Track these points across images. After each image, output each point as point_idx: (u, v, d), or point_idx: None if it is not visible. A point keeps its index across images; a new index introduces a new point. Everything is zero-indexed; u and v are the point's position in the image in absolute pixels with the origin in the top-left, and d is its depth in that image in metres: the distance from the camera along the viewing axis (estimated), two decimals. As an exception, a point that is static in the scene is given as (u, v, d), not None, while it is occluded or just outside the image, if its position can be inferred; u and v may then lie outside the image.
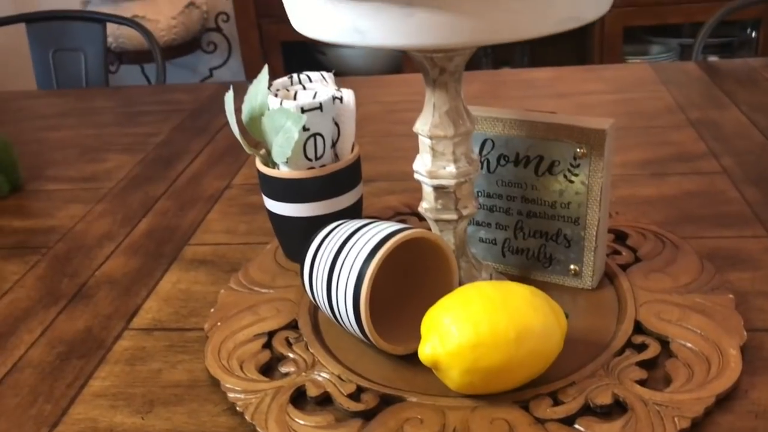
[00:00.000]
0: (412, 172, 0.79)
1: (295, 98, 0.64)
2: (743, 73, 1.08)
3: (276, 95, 0.64)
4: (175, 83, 1.93)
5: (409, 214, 0.75)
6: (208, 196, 0.85)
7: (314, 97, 0.63)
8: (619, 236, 0.67)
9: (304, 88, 0.66)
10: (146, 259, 0.73)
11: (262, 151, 0.66)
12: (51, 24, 1.53)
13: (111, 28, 2.30)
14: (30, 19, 1.54)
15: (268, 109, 0.62)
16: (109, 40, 2.33)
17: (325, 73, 0.68)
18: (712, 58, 2.08)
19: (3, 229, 0.81)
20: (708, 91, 1.02)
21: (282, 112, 0.60)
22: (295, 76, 0.67)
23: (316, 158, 0.63)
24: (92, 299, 0.66)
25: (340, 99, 0.65)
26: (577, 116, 0.58)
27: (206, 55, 2.55)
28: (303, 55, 2.31)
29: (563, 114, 0.59)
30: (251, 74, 2.16)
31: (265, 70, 0.65)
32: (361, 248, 0.52)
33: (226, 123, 1.06)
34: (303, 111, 0.61)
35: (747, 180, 0.77)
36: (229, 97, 0.64)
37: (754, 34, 1.99)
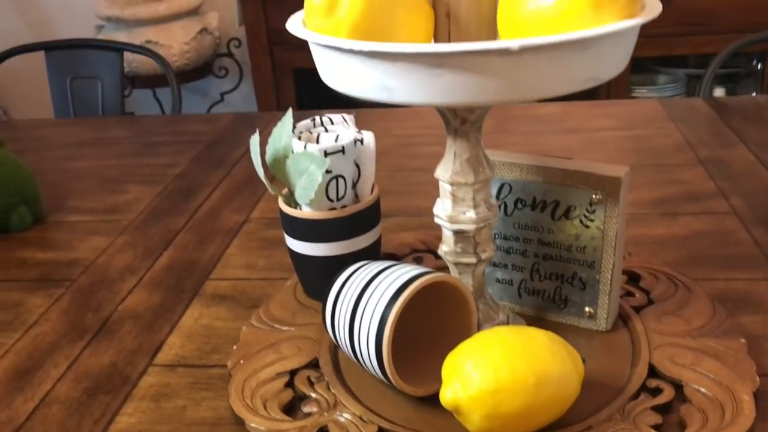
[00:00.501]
0: (426, 207, 0.81)
1: (317, 141, 0.66)
2: (751, 111, 1.10)
3: (299, 138, 0.66)
4: (191, 113, 1.96)
5: (425, 251, 0.76)
6: (227, 230, 0.86)
7: (336, 140, 0.65)
8: (632, 277, 0.68)
9: (326, 130, 0.68)
10: (168, 293, 0.74)
11: (285, 191, 0.68)
12: (69, 52, 1.56)
13: (125, 53, 2.34)
14: (49, 47, 1.57)
15: (292, 152, 0.64)
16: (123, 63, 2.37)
17: (346, 115, 0.70)
18: (718, 89, 2.10)
19: (27, 261, 0.83)
20: (716, 129, 1.04)
21: (306, 155, 0.62)
22: (317, 118, 0.69)
23: (338, 199, 0.65)
24: (116, 334, 0.68)
25: (361, 141, 0.67)
26: (592, 163, 0.60)
27: (217, 80, 2.58)
28: (314, 81, 2.33)
29: (579, 160, 0.61)
30: (263, 100, 2.19)
31: (290, 113, 0.67)
32: (384, 291, 0.54)
33: (243, 155, 1.08)
34: (326, 154, 0.63)
35: (756, 221, 0.79)
36: (254, 140, 0.66)
37: (759, 66, 2.01)
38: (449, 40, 0.51)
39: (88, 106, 1.54)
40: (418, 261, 0.75)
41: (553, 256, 0.62)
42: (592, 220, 0.59)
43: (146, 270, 0.79)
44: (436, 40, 0.51)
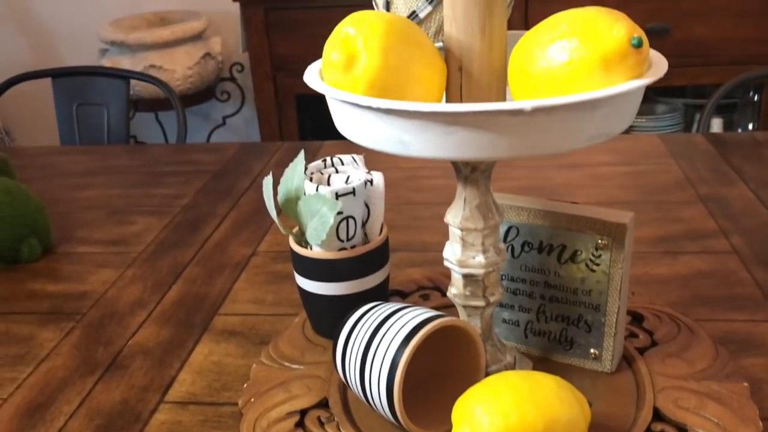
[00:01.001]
0: (432, 242, 0.83)
1: (328, 182, 0.68)
2: (749, 147, 1.12)
3: (311, 179, 0.67)
4: (197, 143, 1.97)
5: (431, 288, 0.77)
6: (235, 263, 0.88)
7: (347, 181, 0.67)
8: (636, 318, 0.70)
9: (337, 171, 0.70)
10: (178, 328, 0.75)
11: (295, 230, 0.69)
12: (76, 79, 1.58)
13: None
14: (56, 74, 1.59)
15: (304, 193, 0.66)
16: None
17: (356, 156, 0.72)
18: (716, 120, 2.13)
19: (37, 294, 0.84)
20: (716, 166, 1.06)
21: (318, 197, 0.64)
22: (328, 159, 0.71)
23: (348, 239, 0.66)
24: (127, 370, 0.69)
25: (371, 182, 0.68)
26: (597, 208, 0.62)
27: (220, 104, 2.60)
28: (316, 107, 2.36)
29: (584, 204, 0.62)
30: (265, 126, 2.21)
31: (301, 155, 0.68)
32: (396, 334, 0.55)
33: (249, 187, 1.10)
34: (337, 196, 0.64)
35: (757, 261, 0.80)
36: (267, 182, 0.67)
37: (756, 97, 2.04)
38: (461, 93, 0.53)
39: (94, 132, 1.55)
40: (424, 298, 0.76)
41: (559, 299, 0.63)
42: (597, 265, 0.61)
43: (156, 304, 0.80)
44: (448, 92, 0.53)
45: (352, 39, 0.48)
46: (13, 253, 0.90)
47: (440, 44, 0.56)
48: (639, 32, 0.46)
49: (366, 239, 0.69)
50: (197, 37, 2.41)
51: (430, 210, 0.99)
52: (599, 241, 0.60)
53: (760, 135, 1.18)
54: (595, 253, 0.61)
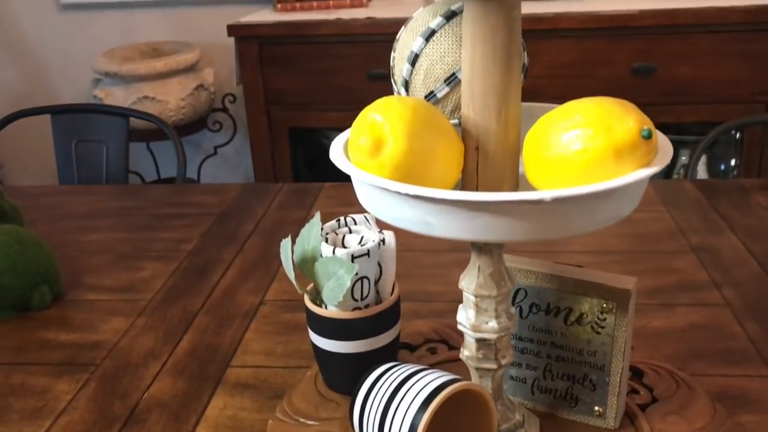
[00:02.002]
0: (435, 291, 0.85)
1: (343, 242, 0.70)
2: (737, 195, 1.16)
3: (326, 240, 0.70)
4: (198, 183, 1.98)
5: (438, 341, 0.80)
6: (244, 313, 0.90)
7: (361, 241, 0.70)
8: (636, 373, 0.73)
9: (350, 230, 0.73)
10: (192, 380, 0.77)
11: (310, 287, 0.72)
12: (75, 116, 1.60)
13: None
14: (56, 111, 1.60)
15: (321, 255, 0.68)
16: (119, 118, 2.41)
17: (368, 215, 0.75)
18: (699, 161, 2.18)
19: (50, 343, 0.86)
20: (705, 214, 1.10)
21: (335, 260, 0.66)
22: (342, 219, 0.73)
23: (362, 299, 0.69)
24: (145, 423, 0.71)
25: (383, 241, 0.71)
26: (602, 273, 0.65)
27: (211, 133, 2.62)
28: (308, 138, 2.39)
29: (590, 269, 0.66)
30: (258, 158, 2.24)
31: (317, 217, 0.71)
32: (414, 397, 0.57)
33: (253, 231, 1.12)
34: (353, 258, 0.67)
35: (748, 314, 0.84)
36: (286, 245, 0.69)
37: (738, 135, 2.10)
38: (477, 171, 0.56)
39: (93, 169, 1.57)
40: (432, 352, 0.78)
41: (565, 358, 0.66)
42: (602, 327, 0.64)
43: (168, 355, 0.82)
44: (465, 170, 0.56)
45: (380, 125, 0.51)
46: (24, 301, 0.92)
47: (456, 121, 0.60)
48: (648, 124, 0.49)
49: (378, 297, 0.71)
50: (190, 68, 2.44)
51: (431, 257, 1.02)
52: (604, 305, 0.63)
53: (746, 182, 1.22)
54: (600, 316, 0.64)
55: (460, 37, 0.57)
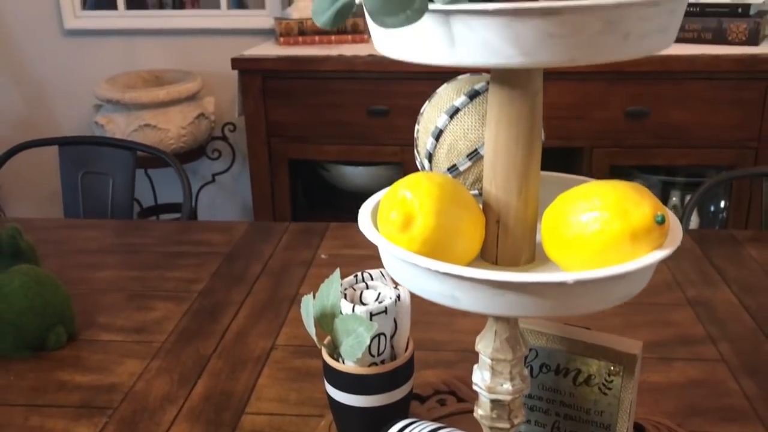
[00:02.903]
0: (442, 340, 0.88)
1: (360, 298, 0.73)
2: (730, 247, 1.20)
3: (344, 295, 0.73)
4: (205, 221, 1.99)
5: (447, 393, 0.83)
6: (256, 358, 0.92)
7: (378, 298, 0.73)
8: (638, 429, 0.76)
9: (367, 286, 0.76)
10: (208, 427, 0.79)
11: (327, 340, 0.74)
12: (83, 148, 1.63)
13: (120, 134, 2.41)
14: (63, 142, 1.63)
15: (340, 312, 0.71)
16: (119, 145, 2.43)
17: (383, 270, 0.78)
18: (689, 197, 2.23)
19: (66, 385, 0.88)
20: (700, 267, 1.14)
21: (354, 318, 0.69)
22: (359, 274, 0.76)
23: (378, 354, 0.72)
24: (165, 471, 0.73)
25: (399, 297, 0.74)
26: (609, 336, 0.68)
27: (210, 161, 2.65)
28: (307, 170, 2.43)
29: (598, 332, 0.69)
30: (257, 188, 2.26)
31: (337, 273, 0.74)
32: (431, 457, 0.60)
33: (262, 272, 1.15)
34: (371, 316, 0.70)
35: (744, 371, 0.87)
36: (307, 301, 0.72)
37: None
38: (497, 243, 0.59)
39: (99, 202, 1.59)
40: (441, 404, 0.81)
41: (573, 417, 0.69)
42: (609, 389, 0.67)
43: (184, 399, 0.84)
44: (486, 241, 0.59)
45: (410, 202, 0.54)
46: (41, 341, 0.94)
47: (476, 192, 0.63)
48: (662, 210, 0.53)
49: (393, 352, 0.74)
50: (192, 97, 2.47)
51: (438, 305, 1.05)
52: (612, 368, 0.67)
53: (738, 233, 1.26)
54: (607, 378, 0.67)
55: (483, 116, 0.61)
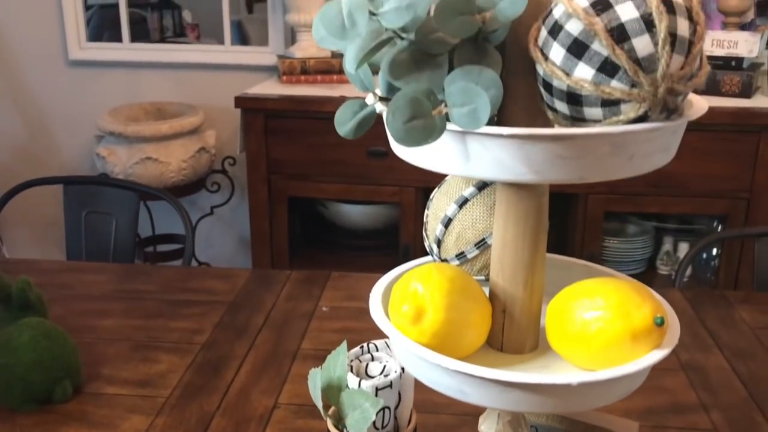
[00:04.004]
0: (442, 402, 0.90)
1: (366, 370, 0.75)
2: (722, 308, 1.23)
3: (350, 367, 0.75)
4: (207, 267, 2.01)
5: (447, 459, 0.85)
6: (260, 416, 0.94)
7: (383, 371, 0.75)
8: (633, 503, 0.78)
9: (372, 357, 0.78)
10: (213, 490, 0.81)
11: (332, 411, 0.76)
12: (87, 187, 1.65)
13: (122, 166, 2.43)
14: (68, 181, 1.65)
15: (347, 386, 0.73)
16: (119, 177, 2.45)
17: (388, 341, 0.80)
18: (682, 244, 2.27)
19: (73, 441, 0.89)
20: (694, 329, 1.17)
21: (361, 393, 0.71)
22: (365, 345, 0.79)
23: (383, 427, 0.74)
24: None
25: (403, 370, 0.76)
26: (608, 415, 0.71)
27: (208, 194, 2.67)
28: (306, 207, 2.45)
29: (596, 412, 0.71)
30: (256, 224, 2.28)
31: (344, 346, 0.76)
32: None
33: (264, 324, 1.17)
34: (377, 391, 0.72)
35: (735, 442, 0.90)
36: (315, 374, 0.74)
37: (720, 227, 2.19)
38: (503, 331, 0.62)
39: (101, 241, 1.61)
40: (441, 471, 0.83)
41: (570, 494, 0.71)
42: (607, 469, 0.69)
43: (188, 460, 0.86)
44: (492, 330, 0.62)
45: (421, 296, 0.57)
46: (47, 395, 0.95)
47: (482, 277, 0.66)
48: (662, 312, 0.55)
49: (396, 423, 0.76)
50: (194, 131, 2.50)
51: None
52: (609, 449, 0.69)
53: (730, 295, 1.29)
54: (605, 458, 0.69)
55: (491, 206, 0.64)
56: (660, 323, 0.54)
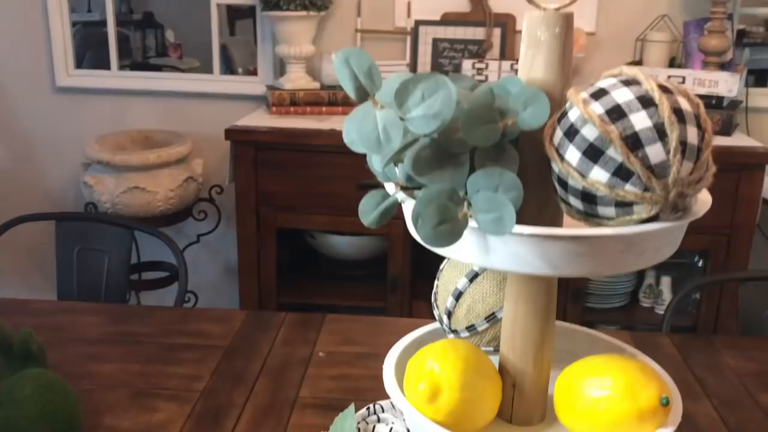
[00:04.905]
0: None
1: (373, 432, 0.77)
2: (709, 355, 1.27)
3: (358, 429, 0.77)
4: (203, 308, 2.01)
5: None
6: (262, 469, 0.95)
7: (390, 433, 0.77)
8: None
9: (379, 419, 0.80)
10: None
11: (339, 470, 0.78)
12: (80, 223, 1.65)
13: (109, 195, 2.43)
14: (61, 218, 1.65)
15: (356, 450, 0.75)
16: (106, 205, 2.45)
17: (393, 402, 0.82)
18: (664, 278, 2.32)
19: (76, 496, 0.89)
20: (683, 376, 1.20)
21: (370, 458, 0.73)
22: (371, 407, 0.80)
23: (389, 488, 0.76)
24: None
25: (408, 431, 0.78)
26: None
27: (195, 222, 2.67)
28: (295, 239, 2.47)
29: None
30: (244, 254, 2.29)
31: (352, 408, 0.78)
32: None
33: (261, 371, 1.18)
34: (385, 454, 0.74)
35: (726, 496, 0.92)
36: (325, 438, 0.76)
37: (701, 263, 2.24)
38: (512, 404, 0.64)
39: (93, 278, 1.61)
40: None
41: None
42: None
43: None
44: (502, 402, 0.64)
45: (437, 375, 0.59)
46: (49, 448, 0.95)
47: (491, 349, 0.68)
48: (667, 393, 0.58)
49: (402, 483, 0.78)
50: (181, 160, 2.50)
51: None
52: None
53: (716, 340, 1.33)
54: None
55: (501, 281, 0.66)
56: (665, 403, 0.57)
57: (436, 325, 0.73)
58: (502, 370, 0.64)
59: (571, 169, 0.50)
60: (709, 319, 2.15)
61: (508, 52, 2.46)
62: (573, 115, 0.50)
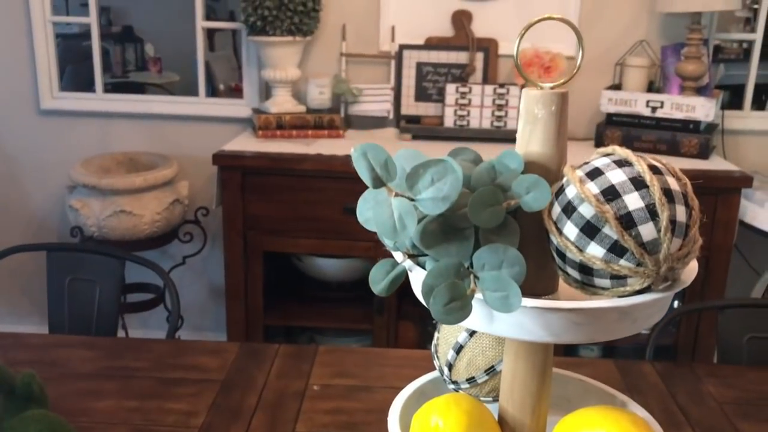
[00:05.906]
0: None
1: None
2: (691, 384, 1.31)
3: (360, 474, 0.80)
4: (196, 340, 2.00)
5: None
6: (262, 507, 0.97)
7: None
8: None
9: (380, 462, 0.82)
10: None
11: None
12: (71, 254, 1.66)
13: (95, 218, 2.43)
14: (52, 248, 1.66)
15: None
16: (92, 229, 2.46)
17: (393, 441, 0.84)
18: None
19: None
20: (666, 405, 1.24)
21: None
22: (371, 450, 0.83)
23: None
24: None
25: (408, 473, 0.81)
26: None
27: (181, 244, 2.68)
28: (281, 262, 2.49)
29: None
30: (231, 277, 2.31)
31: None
32: None
33: (257, 405, 1.20)
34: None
35: None
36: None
37: (676, 304, 2.30)
38: (512, 455, 0.67)
39: (85, 307, 1.62)
40: None
41: None
42: None
43: None
44: (502, 452, 0.67)
45: (442, 431, 0.62)
46: (51, 489, 0.97)
47: (490, 399, 0.71)
48: (658, 444, 0.61)
49: None
50: (167, 183, 2.52)
51: None
52: None
53: (698, 368, 1.37)
54: None
55: (500, 336, 0.69)
56: (656, 455, 0.60)
57: (435, 374, 0.76)
58: (502, 422, 0.67)
59: (569, 243, 0.53)
60: (688, 343, 2.21)
61: (491, 76, 2.51)
62: (570, 193, 0.53)
